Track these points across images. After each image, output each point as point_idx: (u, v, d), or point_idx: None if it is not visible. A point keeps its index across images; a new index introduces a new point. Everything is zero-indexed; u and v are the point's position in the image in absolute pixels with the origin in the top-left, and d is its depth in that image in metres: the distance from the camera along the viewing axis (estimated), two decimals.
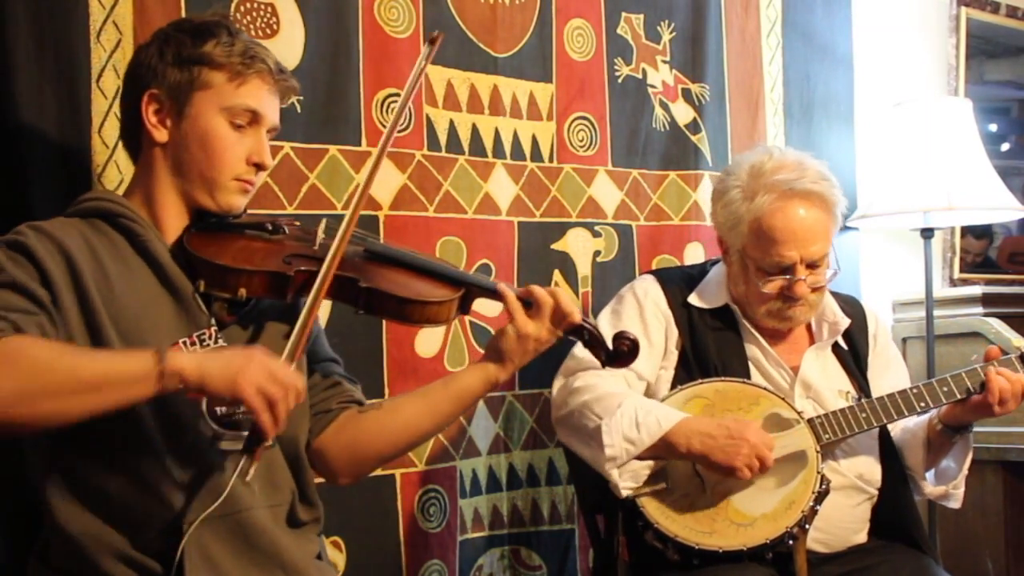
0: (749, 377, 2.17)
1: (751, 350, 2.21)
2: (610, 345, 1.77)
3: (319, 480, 1.78)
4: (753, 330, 2.22)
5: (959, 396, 2.11)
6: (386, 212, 2.39)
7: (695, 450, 2.01)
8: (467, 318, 2.51)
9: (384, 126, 2.39)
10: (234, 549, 1.57)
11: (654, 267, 2.81)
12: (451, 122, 2.52)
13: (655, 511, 2.03)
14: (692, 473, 2.06)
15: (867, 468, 2.18)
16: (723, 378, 2.14)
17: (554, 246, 2.70)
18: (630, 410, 2.03)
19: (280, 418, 1.45)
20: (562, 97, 2.72)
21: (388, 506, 2.38)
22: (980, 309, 3.27)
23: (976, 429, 2.24)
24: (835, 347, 2.27)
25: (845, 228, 3.03)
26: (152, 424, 1.53)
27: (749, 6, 3.10)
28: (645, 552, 2.05)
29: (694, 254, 2.91)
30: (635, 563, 2.12)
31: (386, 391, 2.36)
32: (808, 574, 2.02)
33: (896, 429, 2.25)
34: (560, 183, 2.71)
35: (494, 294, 1.72)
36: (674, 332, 2.22)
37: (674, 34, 2.94)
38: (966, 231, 3.74)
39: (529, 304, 1.71)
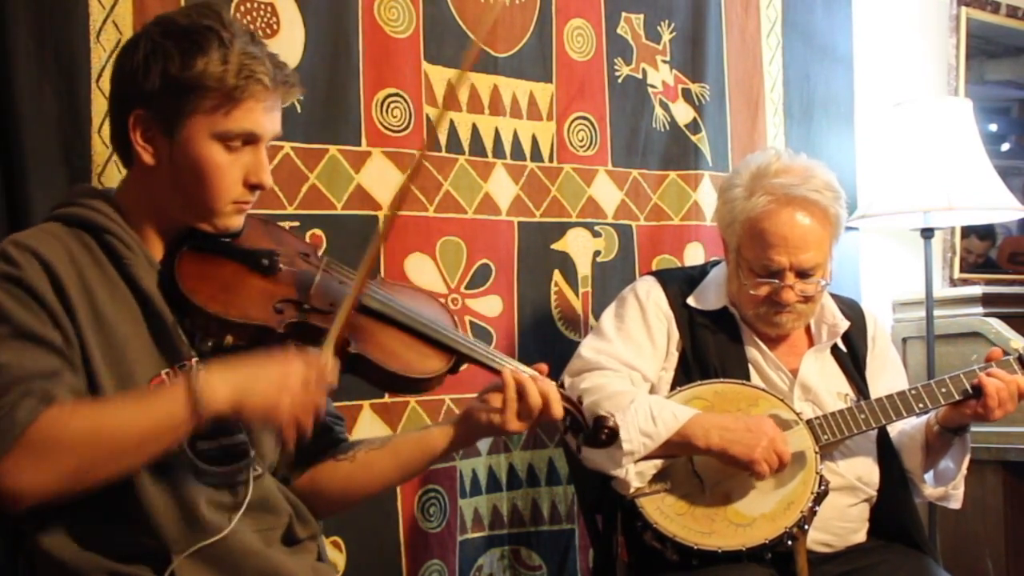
0: (749, 379, 2.17)
1: (750, 352, 2.21)
2: (590, 428, 1.68)
3: None
4: (751, 333, 2.22)
5: (957, 397, 2.11)
6: (386, 212, 2.39)
7: (714, 444, 2.00)
8: (467, 318, 2.52)
9: (384, 126, 2.39)
10: (222, 574, 1.52)
11: (654, 267, 2.81)
12: (451, 122, 2.52)
13: (654, 511, 2.03)
14: (691, 473, 2.06)
15: (865, 470, 2.18)
16: (722, 380, 2.14)
17: (554, 246, 2.70)
18: (644, 405, 2.03)
19: (318, 411, 1.43)
20: (562, 97, 2.72)
21: (388, 506, 2.37)
22: (980, 309, 3.27)
23: (976, 429, 2.24)
24: (834, 350, 2.27)
25: (845, 228, 3.03)
26: None
27: (749, 6, 3.10)
28: (644, 552, 2.05)
29: (694, 254, 2.91)
30: (634, 563, 2.12)
31: (385, 393, 2.36)
32: (808, 574, 2.02)
33: (894, 431, 2.25)
34: (560, 183, 2.71)
35: (492, 371, 1.64)
36: (675, 334, 2.22)
37: (674, 34, 2.94)
38: (970, 231, 3.74)
39: (520, 396, 1.62)
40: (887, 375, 2.29)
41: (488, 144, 2.58)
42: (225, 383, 1.39)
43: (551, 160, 2.70)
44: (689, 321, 2.22)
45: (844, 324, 2.26)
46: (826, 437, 2.09)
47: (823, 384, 2.20)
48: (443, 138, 2.50)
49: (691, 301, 2.24)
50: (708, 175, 2.94)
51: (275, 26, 2.26)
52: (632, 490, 2.04)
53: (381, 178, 2.38)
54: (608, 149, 2.80)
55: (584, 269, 2.75)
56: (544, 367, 1.70)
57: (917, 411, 2.13)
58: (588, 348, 2.21)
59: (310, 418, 1.42)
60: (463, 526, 2.51)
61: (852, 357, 2.27)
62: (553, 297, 2.69)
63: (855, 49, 3.34)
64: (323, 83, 2.32)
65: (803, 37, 3.21)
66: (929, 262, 3.14)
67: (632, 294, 2.27)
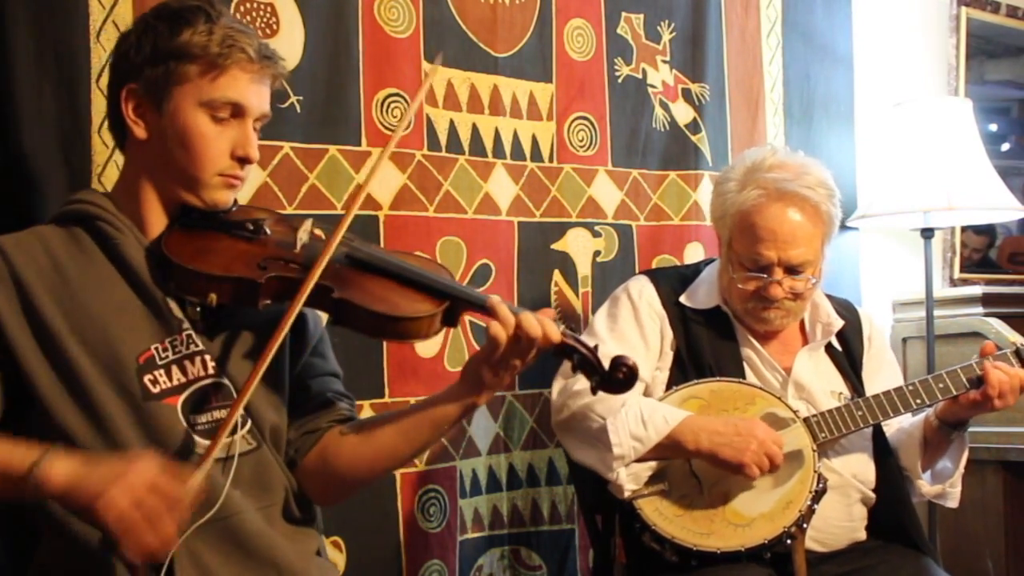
0: (744, 377, 2.17)
1: (744, 351, 2.21)
2: (606, 368, 1.62)
3: None
4: (745, 331, 2.22)
5: (955, 392, 2.11)
6: (386, 212, 2.39)
7: (703, 447, 2.00)
8: (467, 318, 2.51)
9: (384, 126, 2.39)
10: (225, 554, 1.54)
11: (654, 267, 2.81)
12: (451, 122, 2.52)
13: (652, 512, 2.03)
14: (689, 474, 2.06)
15: (861, 468, 2.18)
16: (718, 378, 2.14)
17: (554, 246, 2.70)
18: (635, 409, 2.03)
19: (164, 533, 1.34)
20: (562, 97, 2.72)
21: (388, 506, 2.38)
22: (980, 309, 3.27)
23: (976, 429, 2.24)
24: (829, 348, 2.27)
25: (845, 228, 3.04)
26: (130, 434, 1.51)
27: (749, 6, 3.10)
28: (643, 554, 2.05)
29: (694, 254, 2.91)
30: (633, 565, 2.12)
31: (386, 390, 2.37)
32: (807, 574, 2.02)
33: (891, 429, 2.25)
34: (560, 183, 2.71)
35: (483, 309, 1.59)
36: (669, 332, 2.21)
37: (674, 34, 2.94)
38: (967, 227, 3.74)
39: (518, 338, 1.57)
40: (883, 375, 2.29)
41: (488, 144, 2.58)
42: (64, 470, 1.39)
43: (551, 160, 2.70)
44: (682, 320, 2.22)
45: (839, 323, 2.26)
46: (824, 435, 2.09)
47: (817, 382, 2.20)
48: (443, 138, 2.50)
49: (683, 300, 2.24)
50: (708, 175, 2.94)
51: (275, 26, 2.26)
52: (627, 494, 2.04)
53: (381, 178, 2.38)
54: (608, 149, 2.80)
55: (584, 269, 2.75)
56: (550, 311, 1.65)
57: (915, 407, 2.13)
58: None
59: (158, 530, 1.34)
60: (463, 526, 2.51)
61: (847, 355, 2.27)
62: (553, 297, 2.69)
63: (855, 49, 3.34)
64: (323, 83, 2.32)
65: (803, 37, 3.21)
66: (929, 262, 3.14)
67: (624, 293, 2.26)
